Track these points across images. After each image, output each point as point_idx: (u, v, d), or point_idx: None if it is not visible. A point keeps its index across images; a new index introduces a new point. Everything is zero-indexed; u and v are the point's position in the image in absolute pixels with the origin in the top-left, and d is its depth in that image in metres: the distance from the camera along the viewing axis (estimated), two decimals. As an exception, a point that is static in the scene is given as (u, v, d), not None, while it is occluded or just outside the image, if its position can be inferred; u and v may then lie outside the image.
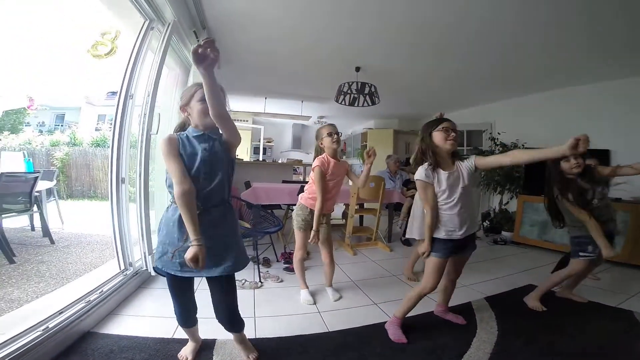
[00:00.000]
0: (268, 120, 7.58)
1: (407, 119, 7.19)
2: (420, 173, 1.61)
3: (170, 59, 2.74)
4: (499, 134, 4.81)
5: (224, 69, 4.02)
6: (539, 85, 4.30)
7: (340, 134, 2.19)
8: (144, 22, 2.15)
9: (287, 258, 2.95)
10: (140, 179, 2.09)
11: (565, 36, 2.78)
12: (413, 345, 1.64)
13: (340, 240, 3.70)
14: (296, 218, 2.16)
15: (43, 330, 1.39)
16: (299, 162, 6.57)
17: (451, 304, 2.00)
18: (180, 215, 1.19)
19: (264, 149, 8.34)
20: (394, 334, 1.70)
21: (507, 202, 4.61)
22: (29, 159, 3.67)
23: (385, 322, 1.80)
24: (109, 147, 2.13)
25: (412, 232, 2.59)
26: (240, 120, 7.41)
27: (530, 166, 4.16)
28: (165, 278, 1.34)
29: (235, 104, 6.59)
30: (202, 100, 1.23)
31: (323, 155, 2.12)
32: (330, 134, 2.10)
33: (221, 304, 1.35)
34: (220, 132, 1.27)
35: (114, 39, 2.18)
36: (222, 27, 2.91)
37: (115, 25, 2.20)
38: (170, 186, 1.21)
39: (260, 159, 7.98)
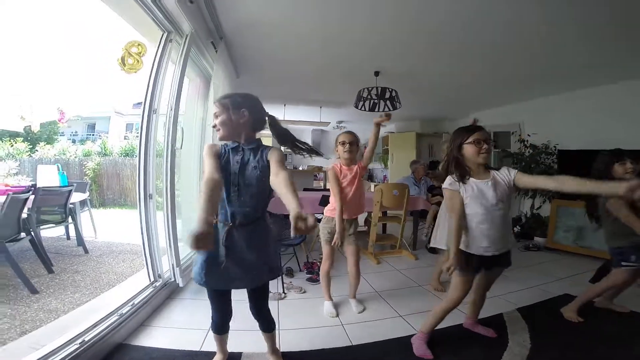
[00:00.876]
0: (288, 126, 7.64)
1: (430, 121, 7.01)
2: (448, 181, 1.55)
3: (190, 70, 2.79)
4: (528, 135, 4.60)
5: (243, 78, 4.08)
6: (572, 82, 4.06)
7: (357, 142, 2.16)
8: (162, 35, 2.18)
9: (310, 268, 2.95)
10: (167, 193, 2.16)
11: (599, 31, 2.61)
12: (438, 361, 1.60)
13: (363, 248, 3.65)
14: (322, 231, 2.16)
15: (80, 343, 1.44)
16: (319, 168, 6.57)
17: (481, 315, 1.92)
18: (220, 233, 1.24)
19: (285, 155, 8.42)
20: (419, 349, 1.66)
21: (540, 207, 4.40)
22: (63, 172, 3.88)
23: (411, 336, 1.76)
24: (136, 156, 2.19)
25: (437, 241, 2.53)
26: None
27: (564, 169, 3.97)
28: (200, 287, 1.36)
29: (255, 112, 6.69)
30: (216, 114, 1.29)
31: (337, 162, 2.16)
32: (343, 143, 2.10)
33: (256, 307, 1.46)
34: (260, 144, 1.31)
35: (139, 54, 2.21)
36: (240, 37, 2.94)
37: (136, 38, 2.22)
38: None
39: (281, 165, 8.06)
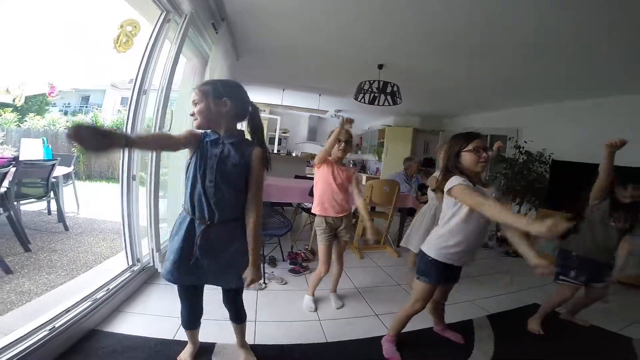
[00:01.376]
0: (285, 110, 7.54)
1: (429, 118, 6.98)
2: (456, 180, 1.41)
3: (188, 49, 2.70)
4: (525, 142, 4.58)
5: (243, 59, 3.97)
6: (573, 92, 4.03)
7: (351, 141, 2.07)
8: (161, 14, 2.06)
9: (293, 259, 2.95)
10: (151, 176, 2.10)
11: (604, 41, 2.55)
12: (406, 363, 1.63)
13: (348, 241, 3.65)
14: (318, 235, 2.09)
15: (50, 329, 1.41)
16: (313, 156, 6.51)
17: (454, 319, 1.98)
18: (189, 222, 1.21)
19: (279, 139, 8.33)
20: (388, 351, 1.68)
21: (525, 214, 4.42)
22: (49, 146, 3.77)
23: (382, 336, 1.78)
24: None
25: (408, 242, 2.52)
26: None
27: (555, 180, 3.97)
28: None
29: (253, 95, 6.53)
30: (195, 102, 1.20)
31: (330, 159, 2.06)
32: (338, 141, 2.00)
33: (228, 298, 1.44)
34: (242, 138, 1.25)
35: (131, 32, 2.12)
36: (242, 20, 2.84)
37: (133, 16, 2.12)
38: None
39: (275, 150, 7.99)
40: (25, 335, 1.32)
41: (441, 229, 1.53)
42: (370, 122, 8.39)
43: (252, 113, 1.27)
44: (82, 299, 1.68)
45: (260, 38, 3.28)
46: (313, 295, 2.20)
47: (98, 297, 1.75)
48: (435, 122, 6.99)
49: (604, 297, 2.01)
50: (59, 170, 3.36)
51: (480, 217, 1.41)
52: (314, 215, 2.14)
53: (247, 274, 1.24)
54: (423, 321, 1.90)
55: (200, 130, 1.23)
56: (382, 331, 1.87)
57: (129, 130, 2.00)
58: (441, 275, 1.55)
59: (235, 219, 1.25)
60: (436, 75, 4.04)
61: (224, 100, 1.19)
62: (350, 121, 1.91)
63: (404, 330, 1.73)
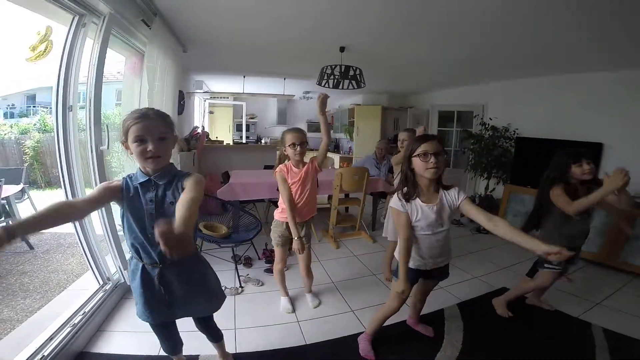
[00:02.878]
0: (249, 98, 7.28)
1: (397, 95, 6.98)
2: (394, 201, 1.51)
3: (122, 48, 2.53)
4: (490, 119, 4.67)
5: (192, 51, 3.71)
6: (534, 69, 4.07)
7: (307, 140, 1.98)
8: (73, 18, 1.81)
9: (269, 257, 2.95)
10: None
11: (565, 18, 2.51)
12: (380, 360, 1.71)
13: (324, 230, 3.70)
14: (273, 235, 2.09)
15: (40, 358, 1.44)
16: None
17: (425, 310, 2.03)
18: (141, 269, 1.15)
19: (247, 125, 8.08)
20: (364, 349, 1.75)
21: (494, 189, 4.60)
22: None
23: (359, 333, 1.85)
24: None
25: (387, 232, 2.58)
26: (220, 98, 7.10)
27: (519, 156, 4.12)
28: None
29: (212, 84, 6.26)
30: (140, 140, 1.04)
31: (285, 163, 2.00)
32: (293, 145, 1.90)
33: (201, 324, 1.45)
34: (175, 174, 1.13)
35: (45, 36, 1.86)
36: (180, 14, 2.59)
37: (46, 23, 1.89)
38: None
39: (244, 136, 7.78)
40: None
41: None
42: (340, 100, 8.29)
43: None
44: (62, 324, 1.68)
45: (205, 27, 3.02)
46: (287, 295, 2.24)
47: (76, 321, 1.74)
48: (404, 99, 7.02)
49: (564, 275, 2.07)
50: (7, 190, 3.12)
51: (420, 230, 1.48)
52: None
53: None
54: (397, 314, 1.93)
55: (117, 180, 1.12)
56: (358, 328, 1.96)
57: (62, 154, 1.85)
58: (414, 276, 1.59)
59: (193, 253, 1.21)
60: (399, 54, 3.96)
61: (176, 135, 1.13)
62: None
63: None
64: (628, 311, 2.24)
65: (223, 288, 2.28)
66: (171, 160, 1.17)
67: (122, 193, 1.09)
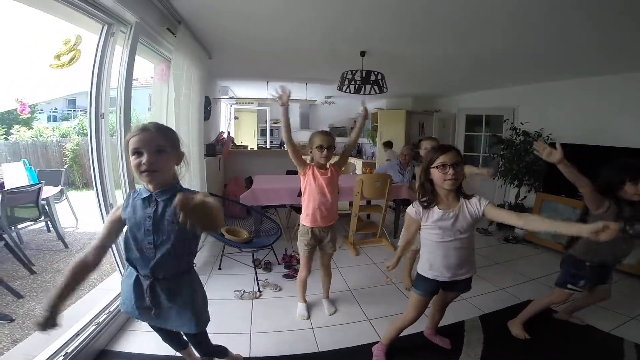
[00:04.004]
0: (272, 102, 7.41)
1: (422, 99, 6.81)
2: (410, 208, 1.52)
3: (150, 56, 2.66)
4: (521, 124, 4.45)
5: (217, 57, 3.83)
6: (570, 71, 3.85)
7: (334, 148, 1.99)
8: (102, 27, 1.89)
9: (288, 262, 2.98)
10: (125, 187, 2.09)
11: (604, 17, 2.33)
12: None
13: (344, 237, 3.68)
14: (299, 244, 2.10)
15: (64, 355, 1.52)
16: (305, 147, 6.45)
17: (446, 322, 1.97)
18: (134, 277, 1.16)
19: (271, 130, 8.23)
20: (377, 359, 1.73)
21: (525, 197, 4.38)
22: (31, 167, 3.74)
23: (373, 343, 1.83)
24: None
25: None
26: (245, 103, 7.27)
27: (552, 163, 3.90)
28: None
29: (238, 90, 6.42)
30: (137, 153, 1.03)
31: (312, 164, 2.03)
32: (320, 148, 1.94)
33: (194, 345, 1.47)
34: (176, 189, 1.10)
35: (74, 45, 1.97)
36: (203, 19, 2.66)
37: (77, 31, 1.96)
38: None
39: (268, 141, 7.92)
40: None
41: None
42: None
43: None
44: (88, 322, 1.78)
45: (229, 34, 3.10)
46: (305, 301, 2.25)
47: (101, 320, 1.83)
48: (429, 102, 6.84)
49: (607, 298, 1.90)
50: (47, 191, 3.36)
51: (435, 237, 1.48)
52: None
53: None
54: (415, 326, 1.87)
55: (121, 205, 1.15)
56: (374, 338, 1.92)
57: (94, 157, 1.94)
58: (432, 287, 1.57)
59: (179, 273, 1.19)
60: (421, 56, 3.86)
61: (182, 152, 1.14)
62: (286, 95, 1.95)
63: (395, 335, 1.78)
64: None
65: (241, 292, 2.39)
66: (184, 179, 1.19)
67: (124, 212, 1.12)
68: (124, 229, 1.14)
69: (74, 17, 1.76)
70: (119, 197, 2.05)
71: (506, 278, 2.81)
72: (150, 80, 3.36)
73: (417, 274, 1.60)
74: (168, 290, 1.17)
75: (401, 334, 1.75)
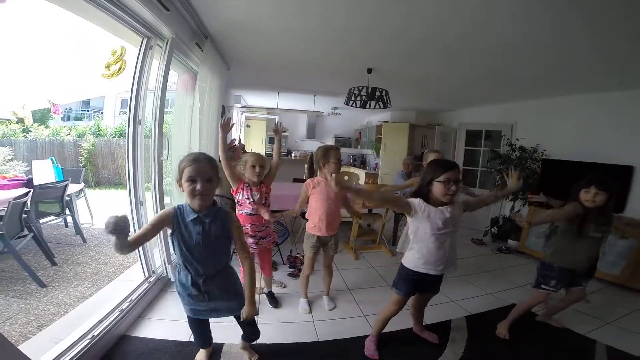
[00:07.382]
0: (282, 111, 7.70)
1: (425, 113, 7.06)
2: (416, 199, 1.64)
3: (177, 67, 2.86)
4: (517, 140, 4.66)
5: (235, 69, 4.11)
6: (562, 88, 4.04)
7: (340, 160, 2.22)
8: (142, 40, 2.11)
9: (292, 262, 3.18)
10: (155, 201, 2.30)
11: (597, 38, 2.43)
12: (383, 361, 1.88)
13: (344, 242, 3.88)
14: (305, 246, 2.35)
15: (91, 337, 1.70)
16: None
17: (435, 320, 2.20)
18: (191, 278, 1.42)
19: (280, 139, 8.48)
20: (368, 349, 1.93)
21: (519, 210, 4.55)
22: (58, 165, 4.00)
23: (367, 336, 2.02)
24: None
25: (403, 248, 2.71)
26: (256, 111, 7.56)
27: (545, 178, 4.09)
28: None
29: (249, 98, 6.71)
30: (191, 180, 1.27)
31: (315, 178, 2.26)
32: (337, 163, 2.15)
33: (244, 325, 1.67)
34: (216, 210, 1.39)
35: (120, 56, 2.22)
36: (226, 35, 2.95)
37: (119, 42, 2.20)
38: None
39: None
40: (73, 343, 1.61)
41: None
42: (368, 117, 8.50)
43: None
44: (112, 309, 1.96)
45: (247, 49, 3.36)
46: (307, 297, 2.46)
47: (124, 307, 2.03)
48: (432, 116, 7.08)
49: (582, 299, 2.11)
50: (72, 188, 3.61)
51: (428, 229, 1.63)
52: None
53: (244, 311, 1.49)
54: (404, 323, 2.15)
55: (168, 210, 1.35)
56: (367, 331, 2.12)
57: (130, 157, 2.15)
58: (410, 288, 1.79)
59: (227, 265, 1.52)
60: (426, 76, 4.11)
61: (220, 177, 1.39)
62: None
63: (388, 331, 2.00)
64: (638, 331, 2.28)
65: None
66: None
67: (173, 222, 1.34)
68: (175, 242, 1.37)
69: (118, 29, 1.98)
70: (148, 197, 2.28)
71: (495, 284, 3.01)
72: (171, 85, 3.58)
73: (402, 271, 1.78)
74: (218, 282, 1.47)
75: (394, 329, 1.97)
